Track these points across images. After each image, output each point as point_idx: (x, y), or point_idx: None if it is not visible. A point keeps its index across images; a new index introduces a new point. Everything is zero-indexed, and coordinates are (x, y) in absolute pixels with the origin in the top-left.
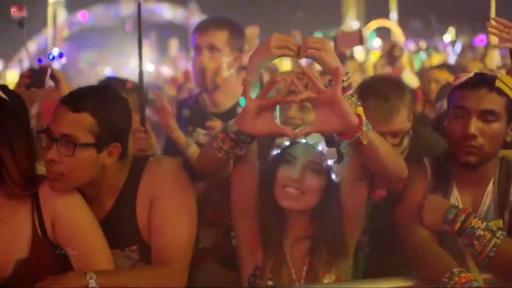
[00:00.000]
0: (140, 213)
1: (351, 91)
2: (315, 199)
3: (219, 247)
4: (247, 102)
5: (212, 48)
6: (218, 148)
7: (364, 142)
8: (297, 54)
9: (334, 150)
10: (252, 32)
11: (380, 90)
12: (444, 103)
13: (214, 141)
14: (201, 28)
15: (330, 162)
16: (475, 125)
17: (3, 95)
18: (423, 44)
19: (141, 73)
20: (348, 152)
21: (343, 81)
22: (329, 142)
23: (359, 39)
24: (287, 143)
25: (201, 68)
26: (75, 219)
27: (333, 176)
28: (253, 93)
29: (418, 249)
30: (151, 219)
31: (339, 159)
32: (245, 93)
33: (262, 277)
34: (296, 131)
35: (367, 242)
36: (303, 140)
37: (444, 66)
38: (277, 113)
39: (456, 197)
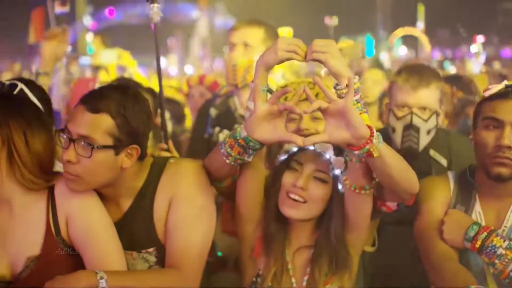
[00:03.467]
0: (158, 215)
1: (357, 96)
2: (319, 208)
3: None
4: (257, 108)
5: (246, 45)
6: (226, 154)
7: (375, 155)
8: (304, 58)
9: (341, 159)
10: (284, 32)
11: (415, 66)
12: (467, 118)
13: (222, 147)
14: (237, 25)
15: (337, 171)
16: (509, 136)
17: (33, 97)
18: (449, 53)
19: (160, 78)
20: (351, 160)
21: (347, 85)
22: (337, 151)
23: (361, 51)
24: (294, 149)
25: (233, 64)
26: (89, 219)
27: (340, 186)
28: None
29: (436, 264)
30: (168, 221)
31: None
32: (254, 98)
33: (263, 284)
34: (305, 139)
35: (376, 253)
36: (311, 147)
37: (454, 78)
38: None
39: (478, 212)
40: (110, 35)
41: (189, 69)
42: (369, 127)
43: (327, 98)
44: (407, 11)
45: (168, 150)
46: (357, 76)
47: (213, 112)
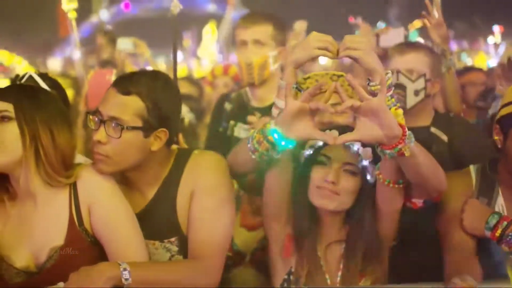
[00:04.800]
0: (181, 205)
1: (391, 92)
2: (350, 200)
3: (255, 251)
4: (288, 106)
5: (257, 42)
6: (252, 150)
7: (406, 154)
8: (336, 54)
9: (369, 150)
10: (300, 26)
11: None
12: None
13: (249, 142)
14: (246, 22)
15: (365, 162)
16: None
17: (43, 84)
18: (466, 45)
19: (175, 71)
20: (384, 155)
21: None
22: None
23: (403, 37)
24: (320, 143)
25: (248, 63)
26: (111, 210)
27: (368, 177)
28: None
29: (451, 253)
30: (190, 212)
31: (375, 159)
32: (286, 95)
33: (298, 282)
34: (337, 138)
35: (397, 246)
36: None
37: (478, 69)
38: None
39: (501, 205)
40: (125, 29)
41: (205, 62)
42: (401, 126)
43: (360, 97)
44: (423, 1)
45: (177, 143)
46: (390, 72)
47: (227, 106)
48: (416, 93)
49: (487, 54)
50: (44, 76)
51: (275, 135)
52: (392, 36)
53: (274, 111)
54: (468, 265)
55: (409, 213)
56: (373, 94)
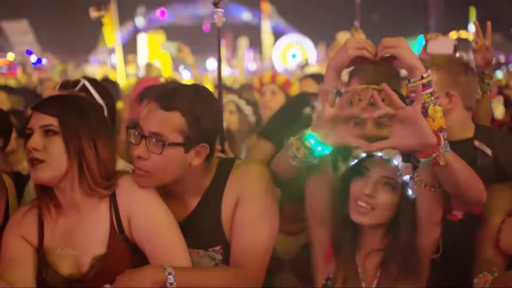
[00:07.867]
0: (225, 213)
1: (431, 89)
2: (388, 214)
3: (296, 258)
4: (325, 111)
5: None
6: (292, 156)
7: (441, 163)
8: (375, 56)
9: (410, 165)
10: (343, 38)
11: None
12: None
13: (289, 149)
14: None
15: (405, 177)
16: None
17: (95, 93)
18: (501, 58)
19: (219, 79)
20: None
21: (422, 78)
22: (406, 157)
23: (453, 47)
24: (363, 154)
25: None
26: (151, 217)
27: (409, 192)
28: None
29: (479, 270)
30: (234, 220)
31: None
32: (322, 101)
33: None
34: (371, 144)
35: (440, 260)
36: (379, 153)
37: None
38: None
39: None
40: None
41: (235, 71)
42: (437, 135)
43: (395, 105)
44: (459, 13)
45: (223, 151)
46: (429, 70)
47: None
48: None
49: None
50: (95, 83)
51: (312, 141)
52: (442, 44)
53: (315, 116)
54: None
55: (453, 226)
56: (414, 92)
